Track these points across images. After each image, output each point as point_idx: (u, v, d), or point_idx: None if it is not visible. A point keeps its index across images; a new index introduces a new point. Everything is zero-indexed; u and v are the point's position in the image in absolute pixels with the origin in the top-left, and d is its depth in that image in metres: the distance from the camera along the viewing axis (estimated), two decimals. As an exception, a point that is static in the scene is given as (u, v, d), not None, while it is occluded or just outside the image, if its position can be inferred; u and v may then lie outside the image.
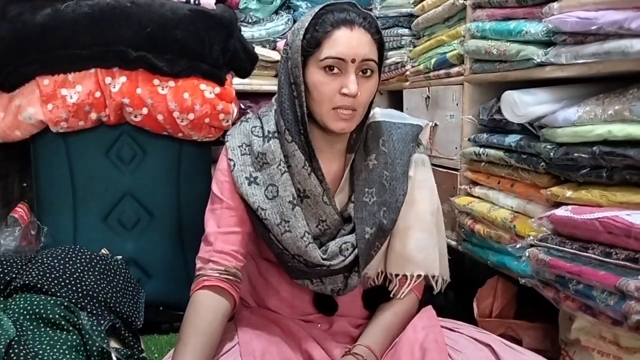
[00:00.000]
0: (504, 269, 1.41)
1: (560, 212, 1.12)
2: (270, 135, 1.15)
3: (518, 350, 1.11)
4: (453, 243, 1.65)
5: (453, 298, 1.59)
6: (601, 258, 1.01)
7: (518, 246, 1.24)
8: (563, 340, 1.25)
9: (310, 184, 1.13)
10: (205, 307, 1.08)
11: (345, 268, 1.14)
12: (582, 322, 1.15)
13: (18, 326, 1.19)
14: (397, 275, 1.17)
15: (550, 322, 1.36)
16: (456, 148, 1.66)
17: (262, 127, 1.17)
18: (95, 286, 1.39)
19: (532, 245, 1.19)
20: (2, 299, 1.29)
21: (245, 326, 1.16)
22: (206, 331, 1.05)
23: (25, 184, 1.77)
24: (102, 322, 1.32)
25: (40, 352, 1.14)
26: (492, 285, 1.49)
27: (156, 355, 1.52)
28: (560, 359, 1.23)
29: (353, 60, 1.06)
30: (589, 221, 1.03)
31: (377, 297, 1.22)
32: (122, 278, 1.49)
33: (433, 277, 1.18)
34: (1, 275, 1.35)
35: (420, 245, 1.17)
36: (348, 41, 1.06)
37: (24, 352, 1.11)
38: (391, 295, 1.18)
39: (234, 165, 1.15)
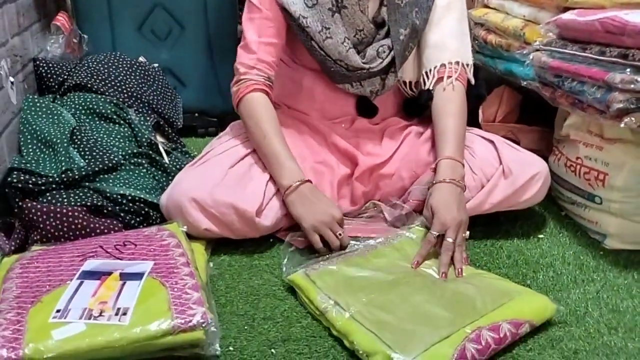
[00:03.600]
0: (510, 76, 1.51)
1: (566, 15, 1.19)
2: None
3: (515, 147, 1.27)
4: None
5: (485, 85, 1.66)
6: (596, 57, 1.11)
7: (525, 52, 1.33)
8: (556, 138, 1.40)
9: None
10: (265, 106, 1.22)
11: (382, 70, 1.25)
12: (573, 119, 1.29)
13: (76, 118, 1.37)
14: (435, 67, 1.24)
15: (547, 127, 1.50)
16: (477, -41, 1.66)
17: None
18: (138, 88, 1.54)
19: (537, 50, 1.28)
20: (58, 96, 1.46)
21: None
22: (277, 125, 1.21)
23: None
24: (147, 119, 1.50)
25: (99, 139, 1.33)
26: (499, 94, 1.60)
27: (195, 152, 1.72)
28: (552, 155, 1.38)
29: None
30: (590, 22, 1.11)
31: (417, 105, 1.35)
32: (160, 83, 1.64)
33: (468, 65, 1.25)
34: (54, 76, 1.50)
35: (453, 33, 1.24)
36: None
37: (85, 138, 1.30)
38: (431, 88, 1.24)
39: None
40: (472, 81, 1.27)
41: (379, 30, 1.25)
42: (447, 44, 1.24)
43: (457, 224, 1.06)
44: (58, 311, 0.86)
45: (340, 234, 1.11)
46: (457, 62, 1.24)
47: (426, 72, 1.26)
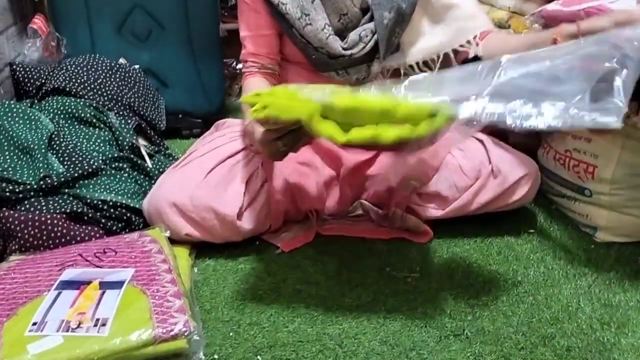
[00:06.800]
0: (496, 69, 1.50)
1: (551, 6, 1.17)
2: None
3: (505, 147, 1.26)
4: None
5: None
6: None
7: (510, 44, 1.31)
8: (545, 132, 1.38)
9: None
10: (255, 83, 1.22)
11: (366, 56, 1.22)
12: (561, 111, 1.27)
13: (55, 123, 1.33)
14: (475, 36, 1.19)
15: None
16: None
17: None
18: (118, 91, 1.51)
19: (522, 42, 1.26)
20: (36, 101, 1.42)
21: None
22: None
23: (37, -2, 1.80)
24: (129, 121, 1.46)
25: (79, 144, 1.30)
26: (486, 87, 1.58)
27: (179, 155, 1.69)
28: (540, 148, 1.37)
29: None
30: (575, 12, 1.08)
31: None
32: (142, 85, 1.61)
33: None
34: (32, 80, 1.47)
35: (469, 13, 1.22)
36: None
37: (64, 143, 1.27)
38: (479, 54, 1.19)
39: None
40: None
41: (364, 15, 1.22)
42: (477, 14, 1.22)
43: None
44: (34, 324, 0.83)
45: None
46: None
47: (461, 45, 1.21)
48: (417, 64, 1.25)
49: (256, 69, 1.24)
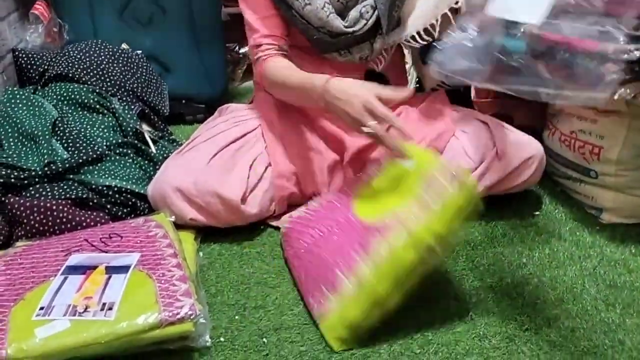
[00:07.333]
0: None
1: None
2: None
3: (510, 129, 1.25)
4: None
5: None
6: (589, 27, 1.08)
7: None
8: (550, 112, 1.37)
9: None
10: (282, 66, 1.19)
11: (369, 34, 1.21)
12: (566, 92, 1.26)
13: (58, 109, 1.34)
14: (457, 2, 1.16)
15: (540, 103, 1.47)
16: None
17: None
18: (121, 76, 1.51)
19: (528, 22, 1.25)
20: (39, 87, 1.42)
21: (267, 111, 1.29)
22: (297, 69, 1.17)
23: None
24: (132, 107, 1.46)
25: (82, 130, 1.30)
26: (491, 69, 1.57)
27: (183, 140, 1.68)
28: (545, 130, 1.36)
29: None
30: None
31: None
32: (144, 70, 1.60)
33: None
34: (35, 67, 1.47)
35: None
36: None
37: (68, 129, 1.27)
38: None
39: None
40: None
41: None
42: None
43: None
44: (42, 308, 0.84)
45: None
46: None
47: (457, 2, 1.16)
48: (419, 33, 1.22)
49: (274, 51, 1.20)
